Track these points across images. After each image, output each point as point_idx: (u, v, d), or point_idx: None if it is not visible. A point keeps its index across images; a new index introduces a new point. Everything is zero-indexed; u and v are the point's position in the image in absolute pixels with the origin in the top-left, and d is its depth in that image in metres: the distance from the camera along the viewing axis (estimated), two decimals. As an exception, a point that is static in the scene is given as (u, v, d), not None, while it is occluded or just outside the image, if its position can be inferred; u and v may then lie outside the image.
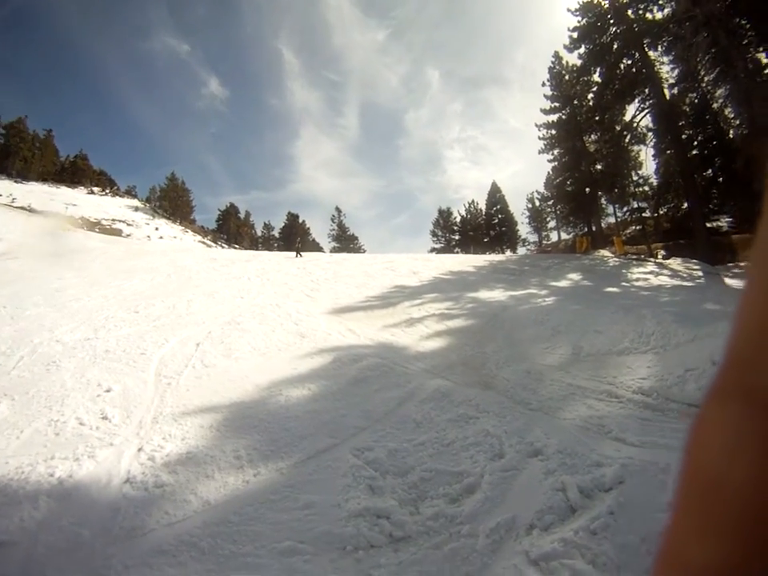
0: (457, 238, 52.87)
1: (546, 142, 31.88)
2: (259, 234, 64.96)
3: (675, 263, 19.56)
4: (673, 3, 20.44)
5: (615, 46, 23.12)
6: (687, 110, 24.13)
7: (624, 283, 14.22)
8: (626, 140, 24.82)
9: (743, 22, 17.68)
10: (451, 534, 2.80)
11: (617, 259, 21.09)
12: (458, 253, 42.92)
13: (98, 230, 36.08)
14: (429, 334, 7.89)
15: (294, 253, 22.21)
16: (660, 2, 21.46)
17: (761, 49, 17.82)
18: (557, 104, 30.50)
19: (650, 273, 16.66)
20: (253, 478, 3.38)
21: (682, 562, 0.29)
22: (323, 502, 3.08)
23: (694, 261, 19.36)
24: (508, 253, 43.11)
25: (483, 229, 51.17)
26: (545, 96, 31.08)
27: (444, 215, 53.89)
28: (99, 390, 4.91)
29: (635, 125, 24.29)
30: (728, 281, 16.00)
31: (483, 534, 2.73)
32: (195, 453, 3.70)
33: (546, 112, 31.08)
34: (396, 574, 2.47)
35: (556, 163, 32.18)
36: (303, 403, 4.76)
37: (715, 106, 22.76)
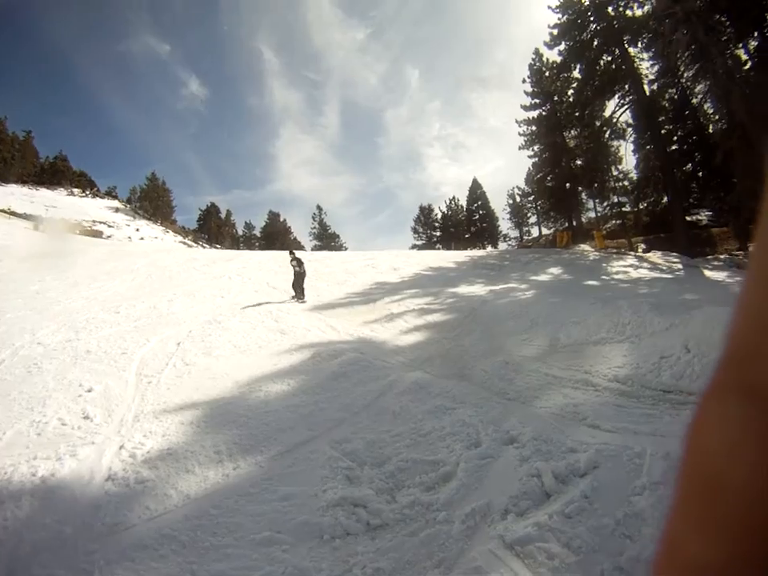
0: (438, 234, 52.98)
1: (526, 138, 31.88)
2: (240, 233, 64.41)
3: (655, 256, 19.81)
4: (653, 0, 20.62)
5: (595, 43, 23.31)
6: (667, 105, 24.33)
7: (604, 276, 14.47)
8: (606, 135, 25.05)
9: (723, 18, 17.87)
10: (427, 520, 2.86)
11: (597, 253, 21.32)
12: (439, 249, 42.93)
13: (78, 232, 35.58)
14: (408, 328, 8.02)
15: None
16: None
17: (740, 45, 18.07)
18: (537, 100, 30.61)
19: (630, 266, 16.93)
20: (232, 471, 3.43)
21: (682, 561, 0.29)
22: (301, 493, 3.14)
23: (674, 254, 19.63)
24: (489, 248, 43.15)
25: (464, 225, 51.31)
26: (525, 92, 31.19)
27: (425, 212, 53.97)
28: (81, 391, 4.92)
29: (615, 120, 24.51)
30: (707, 273, 16.36)
31: (459, 520, 2.79)
32: (176, 449, 3.74)
33: (526, 108, 31.14)
34: (373, 561, 2.51)
35: (536, 159, 32.21)
36: (282, 398, 4.84)
37: (695, 101, 23.00)
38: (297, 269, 11.42)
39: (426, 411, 4.46)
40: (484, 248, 43.02)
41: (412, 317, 8.71)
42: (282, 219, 61.92)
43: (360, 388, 5.12)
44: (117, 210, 52.88)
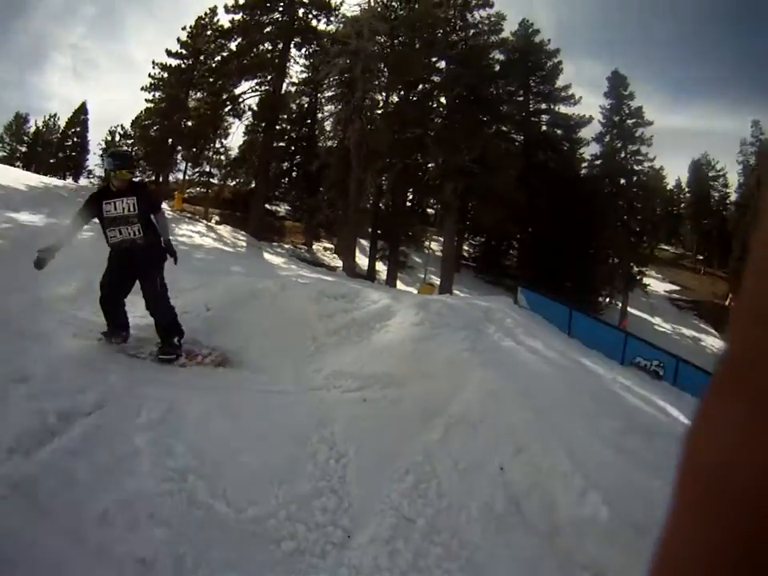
0: (24, 150, 42.61)
1: (153, 82, 29.53)
2: None
3: (225, 230, 21.98)
4: (340, 25, 23.59)
5: (268, 30, 24.47)
6: (294, 108, 27.70)
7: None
8: (226, 110, 26.10)
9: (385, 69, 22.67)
10: None
11: (171, 213, 21.39)
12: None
13: None
14: None
15: None
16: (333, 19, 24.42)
17: (392, 94, 23.24)
18: (185, 51, 28.96)
19: (198, 232, 18.22)
20: None
21: (683, 562, 0.29)
22: None
23: (243, 232, 22.30)
24: (69, 180, 36.83)
25: (54, 148, 42.70)
26: (178, 40, 28.95)
27: (20, 121, 42.20)
28: None
29: (241, 101, 25.99)
30: (266, 255, 19.33)
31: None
32: None
33: (170, 54, 29.02)
34: None
35: (152, 105, 30.05)
36: None
37: (320, 116, 27.20)
38: (127, 232, 4.22)
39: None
40: (65, 179, 36.19)
41: None
42: None
43: None
44: None
